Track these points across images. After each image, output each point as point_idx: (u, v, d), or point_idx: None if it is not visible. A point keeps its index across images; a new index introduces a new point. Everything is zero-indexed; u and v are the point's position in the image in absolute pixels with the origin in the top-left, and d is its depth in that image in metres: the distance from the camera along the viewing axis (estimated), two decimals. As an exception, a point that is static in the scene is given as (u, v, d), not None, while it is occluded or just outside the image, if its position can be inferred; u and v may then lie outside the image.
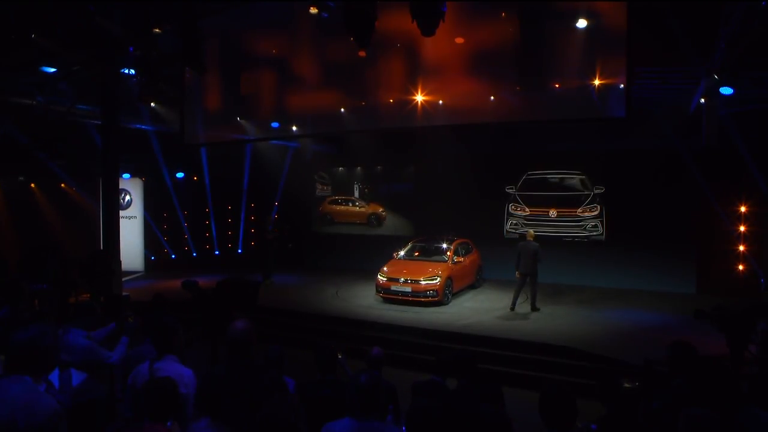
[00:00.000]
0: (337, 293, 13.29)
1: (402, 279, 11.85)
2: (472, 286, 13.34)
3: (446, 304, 11.75)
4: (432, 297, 11.52)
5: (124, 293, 11.93)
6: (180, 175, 16.50)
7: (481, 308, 11.67)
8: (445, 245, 12.88)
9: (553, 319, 10.70)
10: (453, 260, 12.39)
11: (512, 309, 11.14)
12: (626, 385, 3.44)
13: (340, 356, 4.43)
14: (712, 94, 11.97)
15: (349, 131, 13.15)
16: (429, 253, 12.97)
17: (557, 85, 10.37)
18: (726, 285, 12.50)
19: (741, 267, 12.43)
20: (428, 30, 7.13)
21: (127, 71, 12.08)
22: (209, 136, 12.64)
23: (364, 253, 15.93)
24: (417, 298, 11.59)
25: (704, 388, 3.02)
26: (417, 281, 11.66)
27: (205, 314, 6.89)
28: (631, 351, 8.57)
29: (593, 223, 13.96)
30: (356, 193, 17.46)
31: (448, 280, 11.90)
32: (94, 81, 12.08)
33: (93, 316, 4.78)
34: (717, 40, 11.02)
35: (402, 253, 13.20)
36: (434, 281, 11.61)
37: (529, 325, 10.28)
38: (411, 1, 7.02)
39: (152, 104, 12.90)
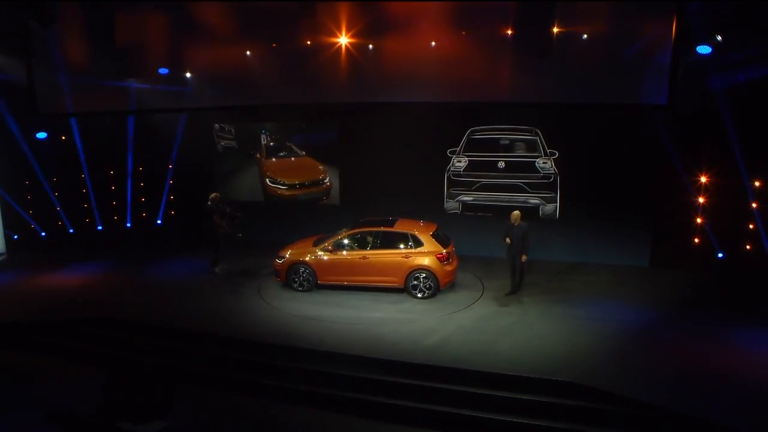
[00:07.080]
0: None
1: (280, 254, 11.29)
2: (403, 289, 10.57)
3: (301, 291, 10.88)
4: (276, 276, 11.21)
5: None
6: (42, 135, 12.76)
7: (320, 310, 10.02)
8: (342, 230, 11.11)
9: (505, 326, 9.41)
10: (324, 248, 10.85)
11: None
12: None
13: None
14: (683, 52, 10.62)
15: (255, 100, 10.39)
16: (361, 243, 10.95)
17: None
18: (679, 259, 11.87)
19: (696, 240, 11.75)
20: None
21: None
22: (76, 102, 9.37)
23: (295, 223, 13.49)
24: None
25: None
26: (275, 259, 11.23)
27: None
28: (641, 382, 7.40)
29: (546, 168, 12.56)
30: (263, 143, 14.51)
31: (302, 266, 10.87)
32: None
33: None
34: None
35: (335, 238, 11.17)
36: (279, 261, 11.09)
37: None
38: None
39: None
